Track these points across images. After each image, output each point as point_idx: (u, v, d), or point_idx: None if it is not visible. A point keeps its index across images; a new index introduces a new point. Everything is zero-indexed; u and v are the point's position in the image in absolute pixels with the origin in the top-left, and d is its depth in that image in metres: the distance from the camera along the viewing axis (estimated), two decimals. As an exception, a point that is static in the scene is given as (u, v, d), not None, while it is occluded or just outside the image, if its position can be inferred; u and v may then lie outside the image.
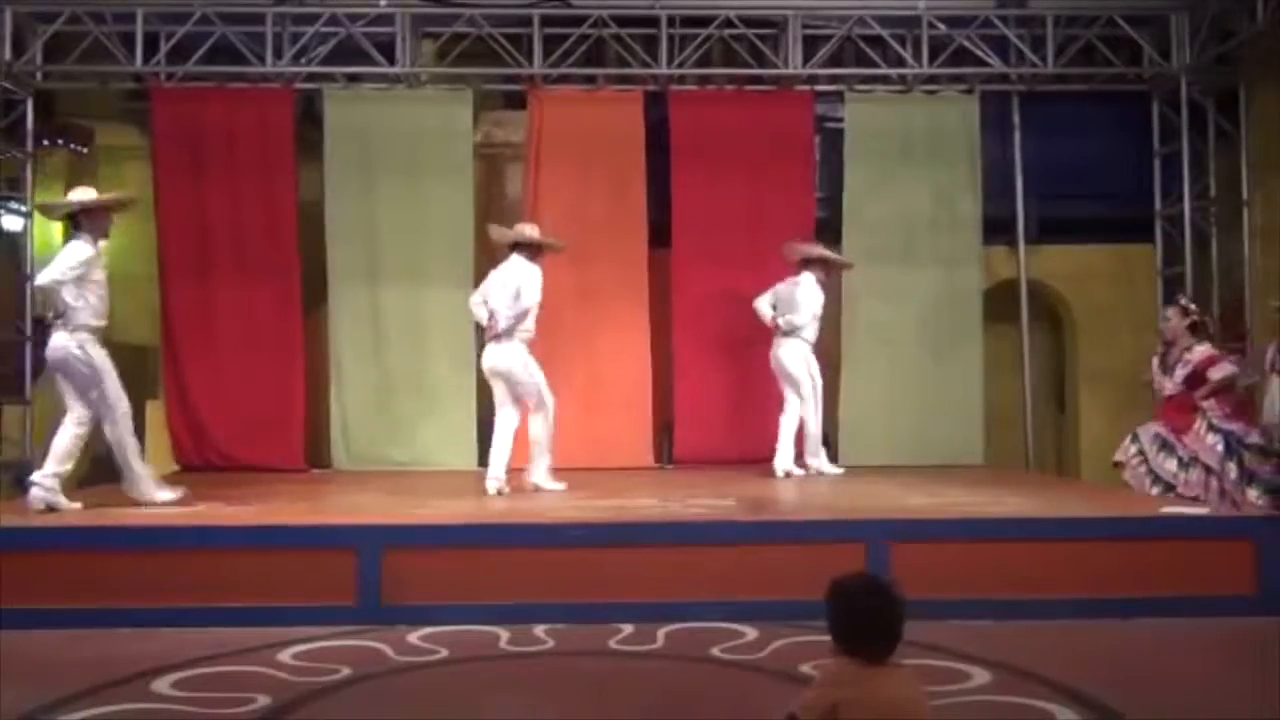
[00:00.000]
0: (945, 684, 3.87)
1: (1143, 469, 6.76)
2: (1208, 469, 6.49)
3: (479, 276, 8.79)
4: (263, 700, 3.79)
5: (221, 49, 8.68)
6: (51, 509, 5.79)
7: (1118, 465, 6.97)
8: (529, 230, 7.06)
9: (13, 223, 9.08)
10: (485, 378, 8.53)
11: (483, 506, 6.53)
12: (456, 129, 8.98)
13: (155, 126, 8.90)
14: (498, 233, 7.26)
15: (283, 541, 5.18)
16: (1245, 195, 8.61)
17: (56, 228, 10.11)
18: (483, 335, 8.66)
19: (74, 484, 8.83)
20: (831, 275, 8.19)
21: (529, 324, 6.77)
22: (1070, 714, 3.64)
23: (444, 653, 4.47)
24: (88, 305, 5.87)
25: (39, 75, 8.82)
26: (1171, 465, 6.63)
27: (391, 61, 8.78)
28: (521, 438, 6.97)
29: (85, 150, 10.17)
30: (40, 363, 8.93)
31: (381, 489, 7.32)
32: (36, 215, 9.12)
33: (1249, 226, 8.57)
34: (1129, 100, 9.34)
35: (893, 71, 9.09)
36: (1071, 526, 5.41)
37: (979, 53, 8.95)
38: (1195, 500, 6.37)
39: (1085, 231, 9.44)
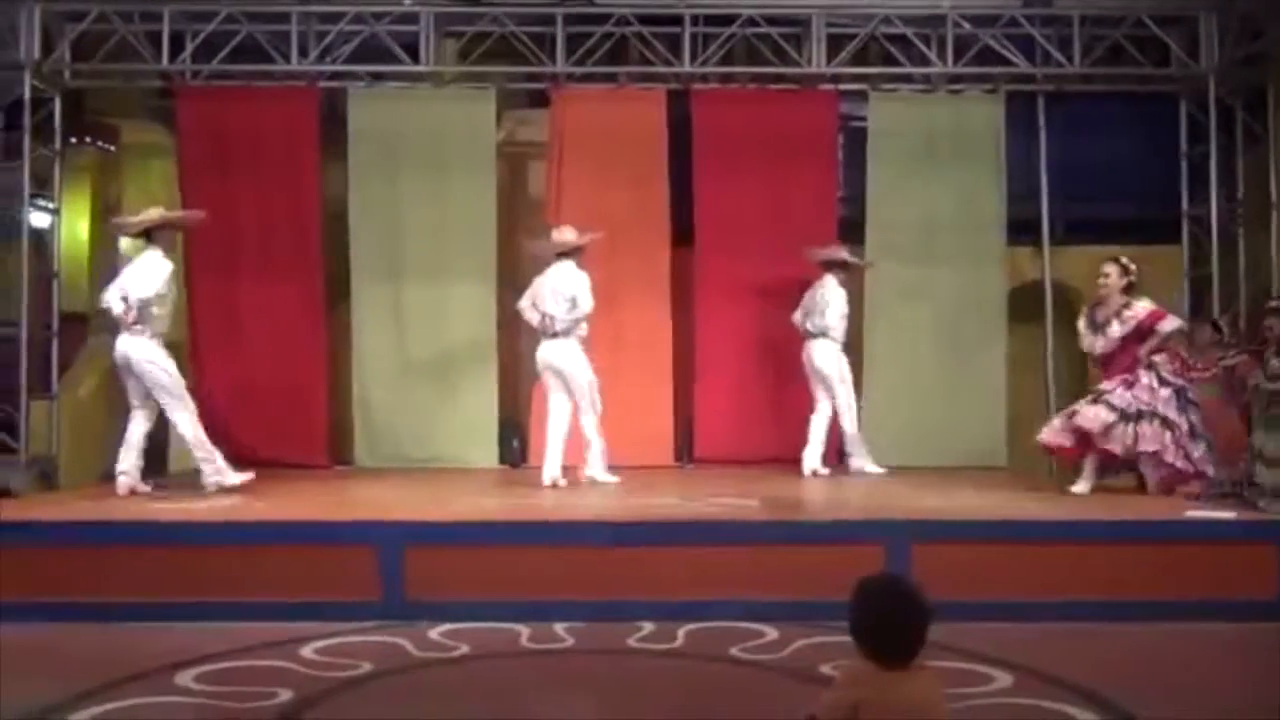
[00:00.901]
0: (966, 686, 3.85)
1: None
2: (1165, 422, 6.44)
3: (502, 275, 8.90)
4: (285, 695, 3.82)
5: (247, 48, 8.74)
6: (134, 493, 6.52)
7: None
8: (569, 235, 7.28)
9: (41, 220, 9.17)
10: (496, 371, 8.75)
11: (505, 504, 6.56)
12: (480, 127, 9.00)
13: (181, 125, 8.97)
14: (540, 246, 7.53)
15: (306, 537, 5.22)
16: (1273, 196, 8.51)
17: (84, 226, 10.27)
18: (506, 333, 8.82)
19: (99, 478, 8.94)
20: (853, 275, 8.26)
21: (584, 325, 7.16)
22: (1091, 717, 3.62)
23: (465, 649, 4.49)
24: (163, 314, 6.51)
25: (67, 74, 8.89)
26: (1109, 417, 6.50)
27: (415, 60, 8.81)
28: (574, 434, 7.26)
29: (112, 148, 10.26)
30: (66, 359, 9.07)
31: (404, 486, 7.37)
32: (64, 212, 9.23)
33: (1276, 228, 8.48)
34: (1156, 101, 9.26)
35: (917, 71, 9.05)
36: (1094, 529, 5.37)
37: (1004, 52, 8.89)
38: (1183, 472, 6.42)
39: (1111, 232, 9.34)
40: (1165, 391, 6.52)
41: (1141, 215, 9.41)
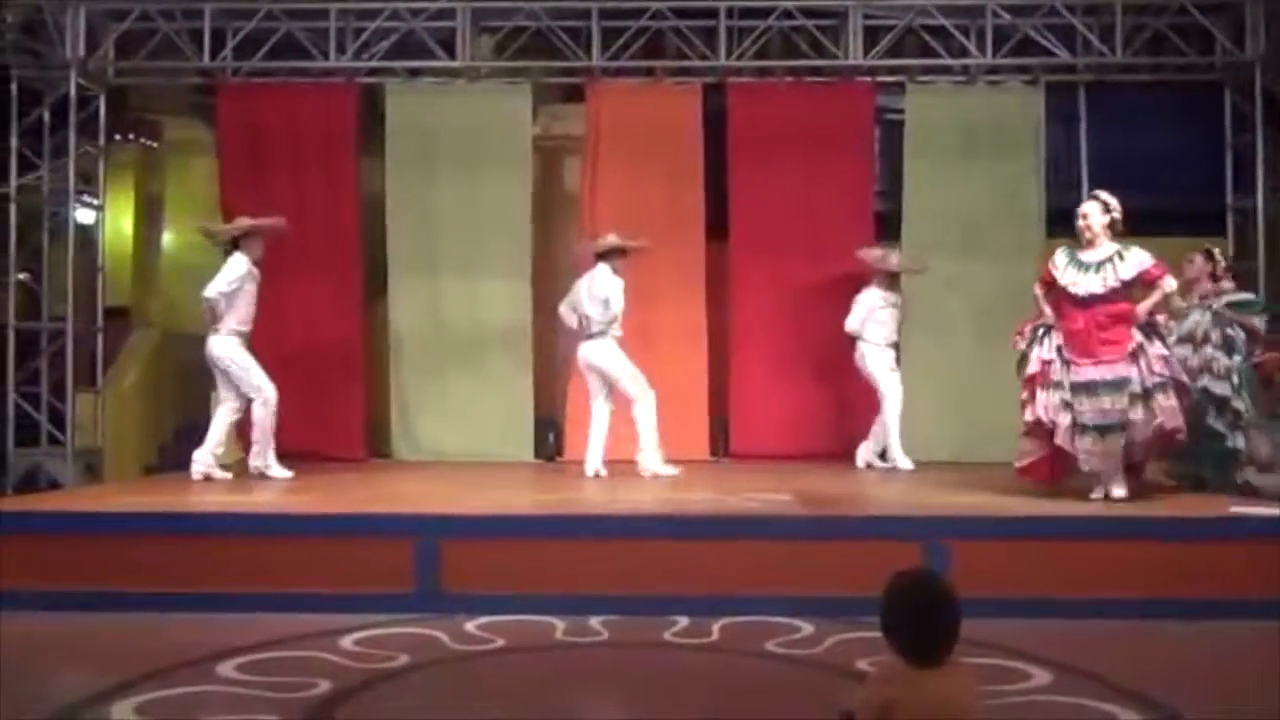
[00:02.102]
0: (1004, 683, 3.82)
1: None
2: (1179, 388, 5.79)
3: (537, 269, 8.94)
4: (324, 685, 3.86)
5: (286, 45, 8.84)
6: (208, 479, 6.94)
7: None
8: (612, 238, 7.48)
9: (86, 216, 9.32)
10: (531, 365, 8.97)
11: (540, 498, 6.59)
12: (515, 122, 9.03)
13: (221, 121, 9.08)
14: (582, 248, 7.81)
15: (344, 530, 5.27)
16: (1321, 187, 8.37)
17: (127, 222, 10.44)
18: (541, 327, 8.87)
19: (143, 470, 9.08)
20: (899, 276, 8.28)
21: (618, 325, 7.38)
22: (1130, 715, 3.57)
23: (500, 642, 4.51)
24: (238, 313, 6.97)
25: (111, 72, 9.03)
26: (1107, 403, 5.70)
27: (452, 56, 8.86)
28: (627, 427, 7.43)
29: (155, 145, 10.41)
30: (110, 354, 9.22)
31: (440, 479, 7.41)
32: (108, 209, 9.38)
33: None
34: (1199, 90, 9.10)
35: (955, 62, 8.97)
36: (1134, 526, 5.30)
37: (1044, 42, 8.79)
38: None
39: (1153, 224, 9.14)
40: (1171, 355, 5.92)
41: (1185, 207, 9.24)
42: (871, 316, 8.02)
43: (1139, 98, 9.19)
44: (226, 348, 7.01)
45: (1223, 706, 3.77)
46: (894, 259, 8.26)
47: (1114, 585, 4.95)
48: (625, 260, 7.45)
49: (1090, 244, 5.98)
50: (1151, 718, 3.57)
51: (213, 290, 6.87)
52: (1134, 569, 4.99)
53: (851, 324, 8.03)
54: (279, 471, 7.14)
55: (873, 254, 8.20)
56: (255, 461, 7.19)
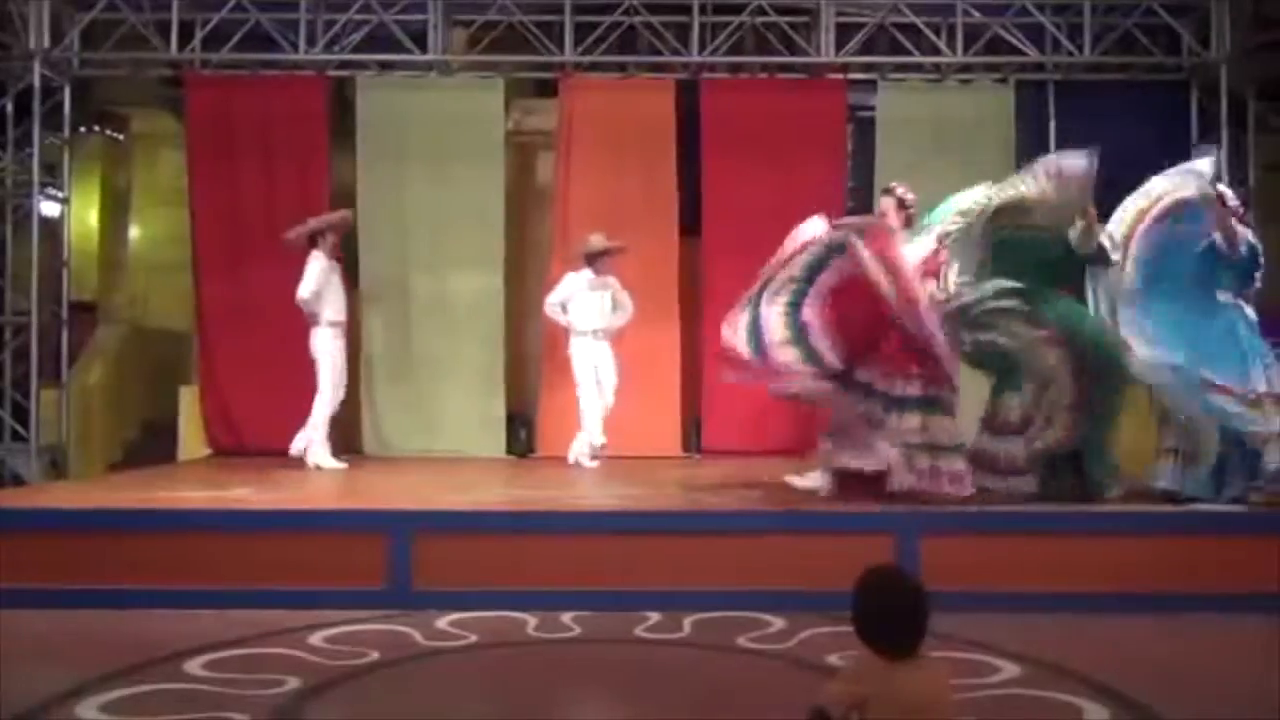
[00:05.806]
0: (972, 677, 3.84)
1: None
2: None
3: (509, 264, 8.93)
4: (293, 682, 3.83)
5: (255, 36, 8.76)
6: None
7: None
8: (594, 241, 7.81)
9: (51, 208, 9.19)
10: (503, 361, 9.03)
11: (512, 494, 6.57)
12: (487, 116, 9.00)
13: (189, 113, 8.99)
14: (574, 250, 8.17)
15: (314, 525, 5.23)
16: (1286, 187, 8.49)
17: (93, 214, 10.30)
18: (513, 323, 8.86)
19: (108, 466, 8.98)
20: None
21: (589, 322, 7.79)
22: (1098, 709, 3.60)
23: (472, 638, 4.49)
24: (331, 305, 7.45)
25: (76, 62, 8.91)
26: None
27: (423, 49, 8.82)
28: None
29: (121, 137, 10.29)
30: (75, 347, 9.12)
31: (411, 475, 7.38)
32: (74, 201, 9.25)
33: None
34: (1167, 90, 9.21)
35: (927, 60, 9.03)
36: (1105, 520, 5.35)
37: (1014, 41, 8.86)
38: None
39: (1120, 222, 9.32)
40: None
41: (1151, 205, 9.35)
42: None
43: (1107, 97, 9.27)
44: (322, 340, 7.45)
45: (1192, 700, 3.81)
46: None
47: (1083, 579, 5.00)
48: (608, 260, 7.69)
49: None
50: (1120, 711, 3.61)
51: (305, 291, 7.31)
52: (1103, 563, 5.04)
53: None
54: (330, 462, 7.45)
55: None
56: (299, 445, 7.46)
